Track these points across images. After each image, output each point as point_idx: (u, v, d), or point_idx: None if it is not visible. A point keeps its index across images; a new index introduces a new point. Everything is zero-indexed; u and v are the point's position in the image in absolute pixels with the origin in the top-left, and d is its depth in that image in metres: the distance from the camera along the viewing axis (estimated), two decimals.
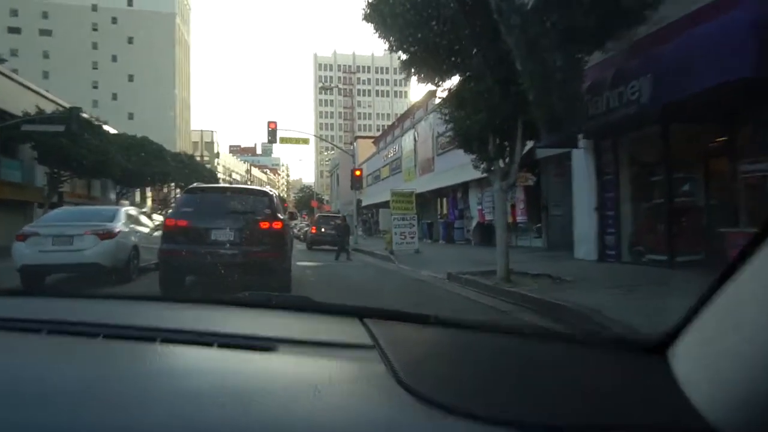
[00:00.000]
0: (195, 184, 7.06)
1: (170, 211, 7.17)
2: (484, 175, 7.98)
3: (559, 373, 0.66)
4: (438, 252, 14.22)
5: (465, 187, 17.71)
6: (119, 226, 7.76)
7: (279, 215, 6.30)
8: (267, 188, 7.22)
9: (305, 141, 23.77)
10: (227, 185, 10.77)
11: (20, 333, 0.67)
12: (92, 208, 10.23)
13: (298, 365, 0.62)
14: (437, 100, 24.13)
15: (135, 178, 31.81)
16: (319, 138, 46.87)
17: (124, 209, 8.73)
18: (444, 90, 7.81)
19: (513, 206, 14.40)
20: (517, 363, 0.70)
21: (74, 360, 0.58)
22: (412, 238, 13.71)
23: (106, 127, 25.35)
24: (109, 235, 7.40)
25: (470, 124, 6.97)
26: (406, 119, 30.00)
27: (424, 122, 23.82)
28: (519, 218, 13.74)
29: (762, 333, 0.41)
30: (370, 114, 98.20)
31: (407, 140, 27.01)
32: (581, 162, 9.54)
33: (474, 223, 16.71)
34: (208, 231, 5.78)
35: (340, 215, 19.43)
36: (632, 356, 0.66)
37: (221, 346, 0.65)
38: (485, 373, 0.65)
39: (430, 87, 8.52)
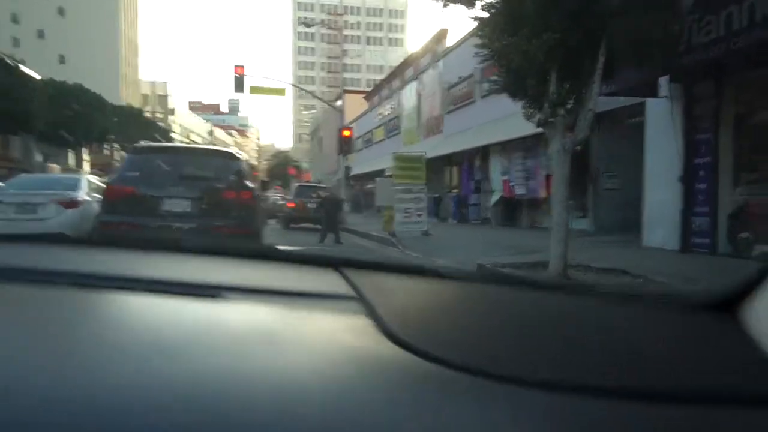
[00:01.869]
0: (142, 143, 7.08)
1: (113, 176, 6.87)
2: (524, 134, 6.63)
3: (585, 330, 0.62)
4: (452, 234, 13.01)
5: (485, 152, 16.40)
6: (82, 195, 8.18)
7: (248, 183, 5.96)
8: (233, 149, 6.88)
9: (280, 92, 22.16)
10: (182, 144, 10.08)
11: None
12: (53, 176, 11.00)
13: (252, 314, 0.59)
14: (448, 43, 22.58)
15: (65, 135, 29.91)
16: (299, 88, 44.89)
17: (85, 177, 9.35)
18: (485, 4, 6.35)
19: (549, 176, 13.19)
20: (537, 317, 0.67)
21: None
22: (420, 216, 12.41)
23: (25, 69, 23.33)
24: (74, 204, 7.82)
25: (533, 48, 5.54)
26: (406, 69, 28.32)
27: (431, 71, 22.27)
28: None
29: None
30: (359, 66, 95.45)
31: (408, 95, 25.46)
32: (661, 116, 8.24)
33: (496, 198, 15.46)
34: (158, 200, 5.41)
35: (325, 186, 18.02)
36: (690, 314, 0.64)
37: (152, 292, 0.63)
38: (494, 327, 0.62)
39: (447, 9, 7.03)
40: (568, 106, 6.18)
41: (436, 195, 19.45)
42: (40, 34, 56.02)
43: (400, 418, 0.35)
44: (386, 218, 14.52)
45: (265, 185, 9.84)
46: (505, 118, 15.24)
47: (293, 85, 44.10)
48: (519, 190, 14.26)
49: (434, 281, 0.83)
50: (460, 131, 18.62)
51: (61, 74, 36.30)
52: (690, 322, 0.63)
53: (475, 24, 7.06)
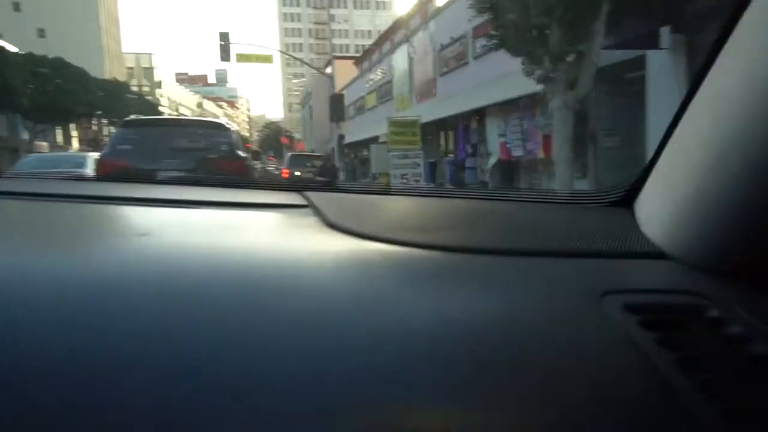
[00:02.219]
0: (133, 117, 6.84)
1: (104, 150, 6.99)
2: (520, 94, 6.44)
3: (508, 219, 0.78)
4: None
5: (481, 114, 16.12)
6: (89, 171, 9.06)
7: (240, 153, 6.10)
8: (223, 120, 7.07)
9: (268, 59, 21.60)
10: (173, 117, 10.33)
11: None
12: (61, 155, 12.66)
13: (225, 216, 0.77)
14: (438, 2, 21.89)
15: (51, 111, 29.17)
16: (287, 55, 43.87)
17: (90, 155, 10.59)
18: None
19: (547, 136, 12.99)
20: (462, 214, 0.81)
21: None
22: (417, 181, 12.26)
23: (1, 43, 22.53)
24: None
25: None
26: (396, 32, 27.61)
27: (422, 33, 21.70)
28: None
29: (702, 168, 0.52)
30: (347, 31, 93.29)
31: (400, 58, 24.88)
32: (663, 70, 8.00)
33: (492, 161, 15.28)
34: (152, 173, 5.33)
35: (319, 155, 17.76)
36: (598, 209, 0.80)
37: (153, 204, 0.80)
38: (426, 220, 0.76)
39: None
40: (569, 60, 5.98)
41: (432, 160, 19.21)
42: (16, 7, 53.99)
43: (334, 277, 0.48)
44: (384, 185, 14.38)
45: (256, 155, 9.89)
46: (500, 79, 14.91)
47: (280, 52, 43.07)
48: (516, 152, 14.09)
49: (382, 197, 1.02)
50: (455, 94, 18.25)
51: (41, 49, 35.09)
52: (590, 214, 0.80)
53: None
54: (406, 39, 23.80)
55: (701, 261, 0.53)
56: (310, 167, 15.86)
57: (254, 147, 19.80)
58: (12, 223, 0.69)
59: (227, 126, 6.47)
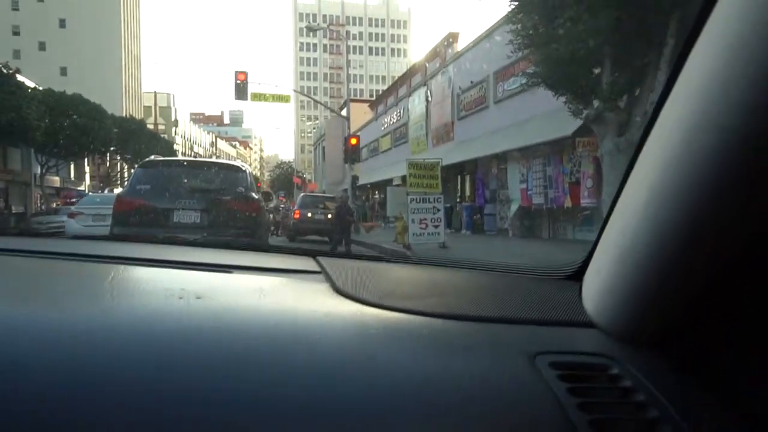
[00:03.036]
0: (152, 157, 7.00)
1: (123, 189, 7.20)
2: (544, 139, 5.78)
3: (475, 288, 0.95)
4: (470, 246, 12.15)
5: (501, 160, 15.57)
6: None
7: (254, 194, 6.23)
8: (239, 162, 7.24)
9: (284, 98, 21.39)
10: (191, 158, 10.14)
11: None
12: (112, 195, 13.55)
13: (249, 280, 0.88)
14: (458, 47, 21.81)
15: (65, 147, 29.16)
16: (303, 95, 44.24)
17: None
18: None
19: (574, 184, 12.32)
20: (441, 283, 0.98)
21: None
22: (437, 227, 11.53)
23: (21, 78, 22.65)
24: None
25: (583, 31, 4.69)
26: (413, 76, 27.59)
27: (441, 77, 21.53)
28: (584, 201, 11.62)
29: (629, 248, 0.62)
30: (361, 76, 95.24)
31: (416, 102, 24.71)
32: None
33: (514, 208, 14.57)
34: (168, 212, 5.62)
35: (332, 196, 17.18)
36: (552, 281, 0.93)
37: (181, 267, 0.92)
38: (413, 288, 0.91)
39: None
40: (621, 101, 5.35)
41: (448, 205, 18.58)
42: (42, 47, 55.64)
43: (342, 339, 0.62)
44: (399, 229, 13.63)
45: (267, 196, 9.79)
46: (523, 123, 14.44)
47: (296, 92, 43.45)
48: (537, 200, 13.40)
49: (385, 264, 1.21)
50: (473, 138, 17.81)
51: (63, 86, 35.52)
52: (543, 286, 0.93)
53: (499, 18, 6.25)
54: (424, 82, 23.68)
55: (619, 331, 0.67)
56: (323, 209, 15.22)
57: (264, 188, 19.30)
58: (74, 282, 0.80)
59: (242, 168, 6.63)
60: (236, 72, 20.19)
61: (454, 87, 20.06)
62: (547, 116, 13.17)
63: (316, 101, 41.73)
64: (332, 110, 30.67)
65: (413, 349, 0.61)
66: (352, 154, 19.27)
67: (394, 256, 1.22)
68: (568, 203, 12.26)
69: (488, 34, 17.06)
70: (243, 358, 0.54)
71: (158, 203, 5.63)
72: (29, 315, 0.60)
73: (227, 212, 5.77)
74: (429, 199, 11.66)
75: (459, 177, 19.46)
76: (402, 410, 0.51)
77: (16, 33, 54.82)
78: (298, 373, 0.53)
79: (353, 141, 19.10)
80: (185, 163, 7.14)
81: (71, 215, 11.89)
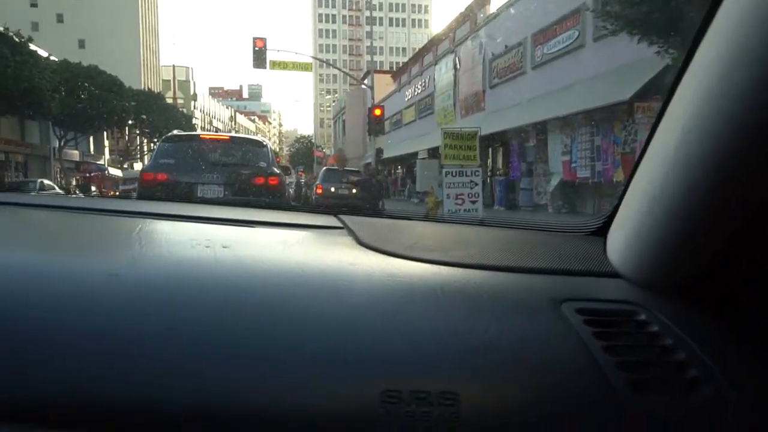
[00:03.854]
0: (175, 131, 7.26)
1: (147, 163, 7.27)
2: (591, 106, 4.64)
3: (500, 242, 0.94)
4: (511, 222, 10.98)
5: (540, 130, 14.30)
6: None
7: (275, 169, 6.31)
8: (259, 137, 7.57)
9: (306, 67, 20.25)
10: (213, 133, 10.37)
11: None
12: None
13: (273, 234, 0.90)
14: (491, 9, 20.32)
15: (82, 119, 28.53)
16: (324, 62, 42.88)
17: None
18: None
19: (628, 154, 11.08)
20: (465, 237, 0.99)
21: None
22: (474, 202, 10.45)
23: (34, 48, 21.85)
24: None
25: None
26: (439, 43, 26.06)
27: (471, 42, 20.11)
28: None
29: (653, 201, 0.63)
30: (381, 48, 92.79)
31: (443, 70, 23.34)
32: None
33: (555, 182, 13.37)
34: (193, 187, 5.67)
35: (356, 169, 16.14)
36: (576, 236, 0.93)
37: (206, 222, 0.93)
38: (437, 241, 0.92)
39: None
40: None
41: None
42: (60, 18, 54.92)
43: (367, 288, 0.61)
44: (430, 205, 12.59)
45: (286, 170, 9.73)
46: (566, 89, 13.14)
47: (316, 59, 42.03)
48: (583, 173, 12.18)
49: (407, 221, 1.17)
50: (507, 107, 16.52)
51: (81, 59, 34.95)
52: (568, 241, 0.93)
53: None
54: (451, 50, 22.25)
55: (645, 281, 0.67)
56: (346, 183, 14.21)
57: (283, 162, 18.28)
58: (126, 236, 0.79)
59: (263, 142, 6.70)
60: (254, 38, 19.08)
61: (486, 53, 18.67)
62: (596, 80, 11.86)
63: (338, 68, 40.36)
64: (355, 78, 29.40)
65: (439, 298, 0.61)
66: (376, 126, 18.16)
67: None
68: (618, 177, 11.04)
69: None
70: (271, 304, 0.54)
71: (182, 177, 5.64)
72: (61, 263, 0.60)
73: (250, 186, 5.75)
74: (466, 172, 10.56)
75: (491, 149, 18.24)
76: (429, 357, 0.51)
77: (33, 5, 54.07)
78: (325, 321, 0.53)
79: (377, 111, 17.96)
80: (208, 137, 7.03)
81: None
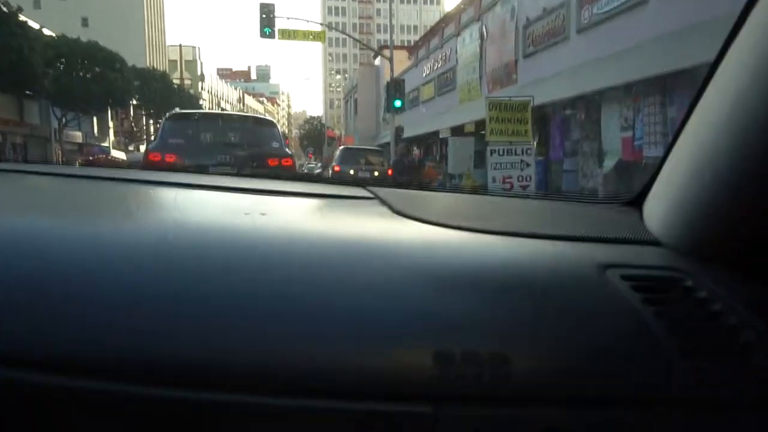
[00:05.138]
0: (176, 110, 7.37)
1: (152, 143, 6.89)
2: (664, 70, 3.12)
3: (542, 214, 0.95)
4: None
5: (591, 102, 12.33)
6: None
7: (288, 150, 6.24)
8: (269, 117, 7.31)
9: (318, 36, 18.31)
10: (220, 111, 9.20)
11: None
12: None
13: (307, 203, 0.90)
14: None
15: (83, 98, 26.81)
16: (338, 31, 40.72)
17: None
18: None
19: None
20: (500, 207, 0.99)
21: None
22: (525, 187, 8.65)
23: (24, 19, 20.02)
24: None
25: None
26: (463, 11, 23.85)
27: (500, 8, 17.99)
28: None
29: (695, 172, 0.62)
30: (393, 26, 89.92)
31: (467, 41, 21.25)
32: None
33: (610, 163, 11.44)
34: (204, 169, 5.07)
35: (377, 149, 14.33)
36: (612, 206, 0.93)
37: (239, 192, 0.90)
38: (476, 212, 0.92)
39: None
40: None
41: None
42: None
43: (408, 255, 0.60)
44: (467, 189, 10.81)
45: None
46: (625, 53, 11.15)
47: (323, 25, 39.95)
48: (650, 151, 10.23)
49: (438, 192, 1.23)
50: (546, 78, 14.51)
51: (85, 37, 33.23)
52: (605, 211, 0.93)
53: None
54: (477, 17, 20.12)
55: (688, 248, 0.65)
56: (367, 165, 12.42)
57: (293, 144, 16.68)
58: (156, 203, 0.80)
59: (273, 122, 6.59)
60: (261, 4, 17.16)
61: (519, 18, 16.58)
62: (666, 40, 9.84)
63: (355, 39, 38.24)
64: (372, 49, 27.42)
65: (483, 265, 0.60)
66: (394, 100, 16.31)
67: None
68: None
69: None
70: (317, 270, 0.53)
71: (192, 158, 5.34)
72: (105, 229, 0.60)
73: (264, 168, 5.59)
74: (515, 150, 8.73)
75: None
76: (478, 319, 0.51)
77: None
78: (373, 284, 0.52)
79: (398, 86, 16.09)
80: (215, 116, 6.72)
81: None
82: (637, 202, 0.82)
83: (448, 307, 0.51)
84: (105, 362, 0.43)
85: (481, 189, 11.29)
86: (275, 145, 5.94)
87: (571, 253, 0.65)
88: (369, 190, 0.93)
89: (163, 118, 6.48)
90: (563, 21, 14.14)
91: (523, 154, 8.72)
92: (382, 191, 0.91)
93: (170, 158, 5.38)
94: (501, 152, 8.71)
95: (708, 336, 0.54)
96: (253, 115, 8.19)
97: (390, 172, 11.89)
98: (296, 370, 0.45)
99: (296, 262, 0.54)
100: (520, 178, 8.67)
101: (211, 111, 9.91)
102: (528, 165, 8.71)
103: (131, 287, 0.48)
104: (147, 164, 5.61)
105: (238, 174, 1.46)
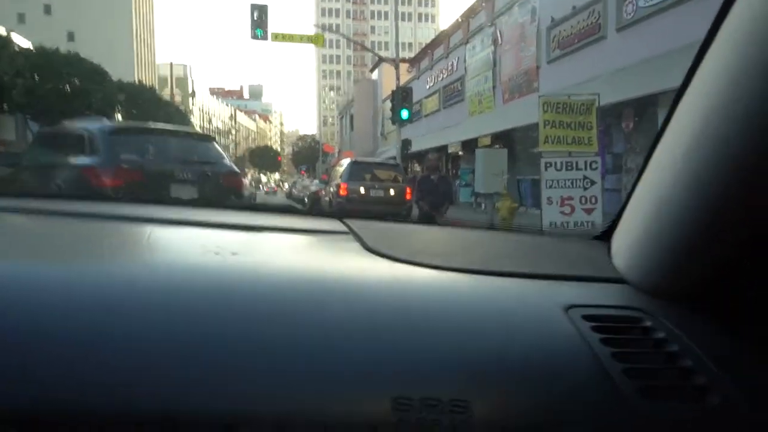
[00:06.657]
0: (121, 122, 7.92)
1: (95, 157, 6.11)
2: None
3: (510, 249, 0.94)
4: None
5: (640, 107, 10.56)
6: None
7: (235, 168, 6.19)
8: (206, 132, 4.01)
9: (314, 39, 16.51)
10: (154, 124, 7.26)
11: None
12: None
13: (280, 239, 0.88)
14: None
15: (59, 111, 24.81)
16: (336, 33, 39.14)
17: None
18: None
19: None
20: (470, 242, 0.99)
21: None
22: (592, 210, 6.71)
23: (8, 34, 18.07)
24: None
25: None
26: (472, 16, 22.22)
27: (518, 9, 16.32)
28: None
29: (658, 208, 0.63)
30: (386, 43, 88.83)
31: (477, 48, 19.61)
32: None
33: None
34: (166, 184, 5.16)
35: (392, 162, 12.36)
36: (581, 241, 0.94)
37: (211, 227, 0.89)
38: (442, 246, 0.91)
39: None
40: None
41: (535, 177, 13.63)
42: (47, 10, 51.35)
43: (376, 294, 0.61)
44: (503, 213, 8.85)
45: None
46: (685, 50, 9.44)
47: (317, 25, 38.34)
48: None
49: (412, 225, 1.20)
50: (576, 83, 12.74)
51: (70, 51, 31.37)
52: (573, 246, 0.94)
53: None
54: (490, 22, 18.47)
55: (650, 286, 0.66)
56: (381, 182, 10.45)
57: (285, 162, 14.52)
58: (115, 242, 0.76)
59: (212, 137, 6.55)
60: (252, 5, 15.36)
61: (541, 19, 14.90)
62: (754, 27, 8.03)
63: (362, 46, 36.60)
64: (380, 56, 25.70)
65: (447, 305, 0.61)
66: (402, 106, 14.48)
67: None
68: None
69: None
70: (282, 312, 0.54)
71: (153, 173, 5.12)
72: (72, 271, 0.59)
73: (223, 188, 5.48)
74: (577, 163, 6.86)
75: None
76: (439, 364, 0.51)
77: None
78: (335, 327, 0.53)
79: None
80: (159, 129, 6.32)
81: None
82: (605, 236, 0.81)
83: (409, 352, 0.52)
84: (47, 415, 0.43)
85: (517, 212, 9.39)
86: (226, 162, 5.83)
87: (535, 292, 0.66)
88: (345, 224, 0.94)
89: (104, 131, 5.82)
90: (598, 18, 12.46)
91: (586, 168, 6.81)
92: (358, 225, 0.92)
93: (130, 176, 5.01)
94: (558, 166, 6.80)
95: (664, 377, 0.54)
96: (186, 128, 7.75)
97: (409, 190, 9.89)
98: (252, 417, 0.45)
99: (261, 307, 0.54)
100: (584, 200, 6.74)
101: (148, 125, 7.83)
102: (593, 183, 6.79)
103: (93, 334, 0.47)
104: (107, 183, 5.09)
105: (210, 207, 1.13)
